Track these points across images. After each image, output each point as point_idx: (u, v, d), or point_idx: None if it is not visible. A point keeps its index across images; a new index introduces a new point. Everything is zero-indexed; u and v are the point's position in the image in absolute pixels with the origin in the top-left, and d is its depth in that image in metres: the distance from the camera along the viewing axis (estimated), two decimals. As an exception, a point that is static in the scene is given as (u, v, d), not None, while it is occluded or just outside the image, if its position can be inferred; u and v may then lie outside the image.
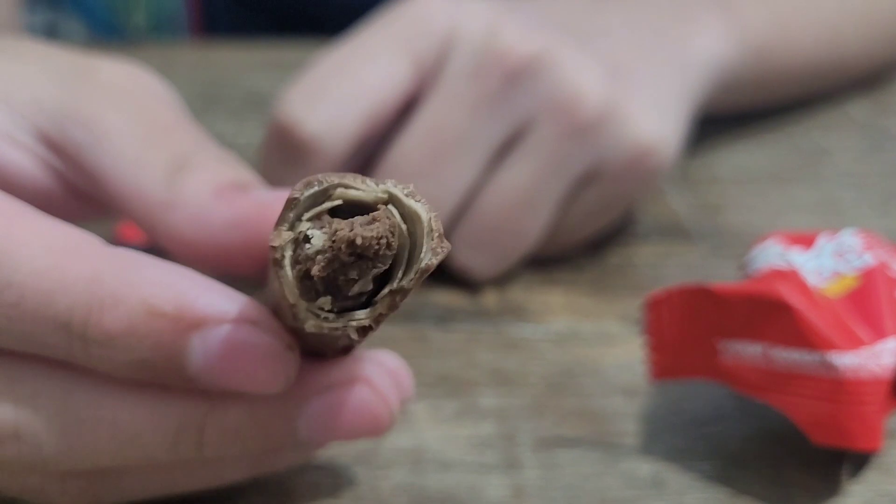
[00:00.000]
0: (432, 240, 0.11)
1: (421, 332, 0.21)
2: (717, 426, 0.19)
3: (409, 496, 0.17)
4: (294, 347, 0.13)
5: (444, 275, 0.22)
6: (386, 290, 0.11)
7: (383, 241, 0.11)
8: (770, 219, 0.28)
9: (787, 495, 0.17)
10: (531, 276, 0.23)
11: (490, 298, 0.23)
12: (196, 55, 0.42)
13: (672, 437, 0.18)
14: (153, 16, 1.04)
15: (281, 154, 0.21)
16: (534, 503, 0.17)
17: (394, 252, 0.11)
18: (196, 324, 0.13)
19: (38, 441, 0.13)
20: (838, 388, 0.16)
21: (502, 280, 0.23)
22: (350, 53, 0.22)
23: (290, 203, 0.11)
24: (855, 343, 0.16)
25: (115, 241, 0.18)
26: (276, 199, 0.15)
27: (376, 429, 0.15)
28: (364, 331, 0.12)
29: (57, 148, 0.16)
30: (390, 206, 0.11)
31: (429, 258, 0.11)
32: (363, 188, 0.11)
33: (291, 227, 0.11)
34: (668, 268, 0.25)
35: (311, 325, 0.12)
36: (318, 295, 0.11)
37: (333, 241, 0.11)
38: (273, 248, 0.11)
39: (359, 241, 0.11)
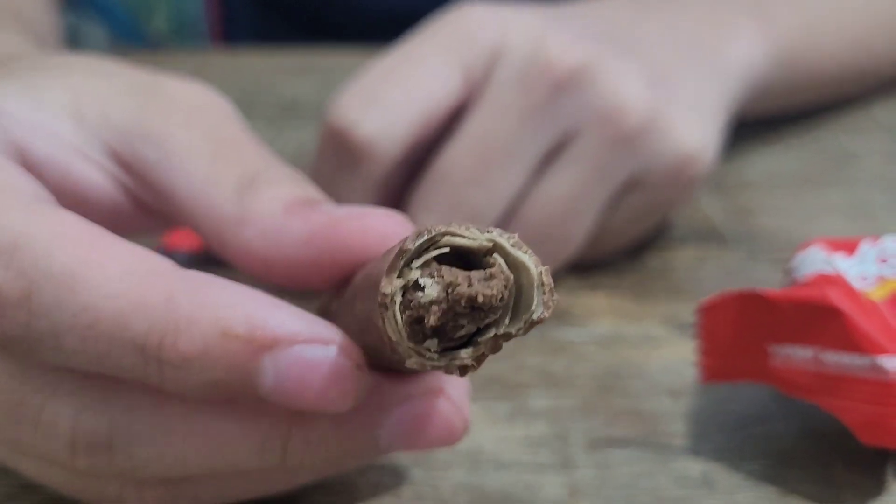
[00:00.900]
0: (543, 293, 0.12)
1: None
2: (764, 426, 0.19)
3: (469, 495, 0.17)
4: (363, 366, 0.14)
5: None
6: (491, 334, 0.12)
7: (500, 296, 0.11)
8: (803, 222, 0.28)
9: (835, 494, 0.17)
10: (574, 280, 0.24)
11: (534, 302, 0.23)
12: (228, 62, 0.43)
13: (720, 437, 0.19)
14: (174, 20, 1.05)
15: (335, 158, 0.22)
16: (590, 502, 0.17)
17: (505, 303, 0.12)
18: (268, 345, 0.13)
19: (130, 451, 0.14)
20: (888, 390, 0.16)
21: (546, 284, 0.24)
22: (401, 60, 0.22)
23: (402, 253, 0.12)
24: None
25: (161, 250, 0.19)
26: (346, 216, 0.15)
27: (452, 438, 0.15)
28: (465, 369, 0.12)
29: (126, 164, 0.17)
30: (496, 255, 0.12)
31: (541, 311, 0.12)
32: (469, 236, 0.12)
33: (401, 275, 0.12)
34: (705, 271, 0.25)
35: (413, 363, 0.12)
36: (424, 337, 0.12)
37: (449, 293, 0.11)
38: (384, 294, 0.12)
39: (480, 298, 0.11)
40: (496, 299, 0.11)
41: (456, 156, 0.22)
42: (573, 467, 0.18)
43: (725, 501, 0.17)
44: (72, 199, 0.16)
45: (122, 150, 0.16)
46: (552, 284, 0.12)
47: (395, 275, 0.12)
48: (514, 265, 0.12)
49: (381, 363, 0.14)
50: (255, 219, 0.15)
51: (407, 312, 0.12)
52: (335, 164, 0.22)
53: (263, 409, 0.14)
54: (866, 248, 0.20)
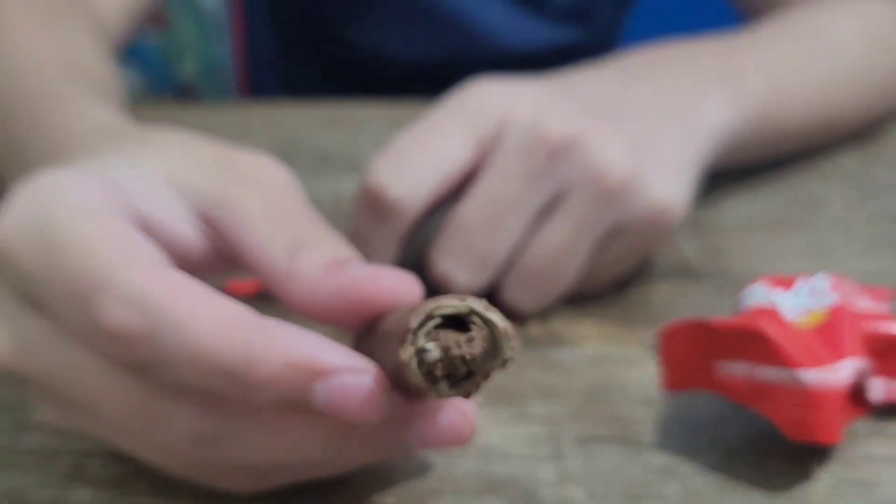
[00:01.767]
0: (509, 340, 0.17)
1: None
2: (716, 427, 0.24)
3: (479, 479, 0.22)
4: (389, 390, 0.18)
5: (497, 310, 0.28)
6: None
7: (481, 351, 0.16)
8: (768, 262, 0.33)
9: (770, 480, 0.22)
10: (568, 310, 0.29)
11: (534, 329, 0.28)
12: (267, 115, 0.48)
13: (681, 436, 0.23)
14: (202, 65, 1.12)
15: (371, 212, 0.27)
16: (576, 484, 0.22)
17: (486, 350, 0.17)
18: (319, 374, 0.18)
19: (230, 446, 0.19)
20: (806, 397, 0.21)
21: (544, 314, 0.28)
22: (425, 131, 0.27)
23: (411, 330, 0.17)
24: (818, 362, 0.21)
25: (226, 291, 0.24)
26: (366, 276, 0.20)
27: (462, 440, 0.20)
28: (469, 394, 0.17)
29: (210, 224, 0.21)
30: (476, 317, 0.17)
31: (510, 354, 0.17)
32: (453, 305, 0.17)
33: (413, 343, 0.17)
34: (679, 304, 0.30)
35: (434, 397, 0.17)
36: (437, 379, 0.17)
37: (446, 354, 0.16)
38: (403, 360, 0.17)
39: (468, 356, 0.16)
40: (478, 354, 0.16)
41: (469, 210, 0.27)
42: (563, 458, 0.23)
43: (683, 485, 0.22)
44: (174, 251, 0.21)
45: (207, 212, 0.21)
46: (515, 334, 0.17)
47: (409, 344, 0.17)
48: (487, 321, 0.17)
49: (406, 389, 0.19)
50: (300, 275, 0.20)
51: (422, 367, 0.17)
52: (371, 217, 0.27)
53: (325, 418, 0.19)
54: (801, 285, 0.24)
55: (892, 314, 0.25)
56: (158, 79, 1.02)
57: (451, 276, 0.27)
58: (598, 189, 0.27)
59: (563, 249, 0.27)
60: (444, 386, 0.17)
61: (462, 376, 0.17)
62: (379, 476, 0.22)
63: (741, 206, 0.37)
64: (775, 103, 0.37)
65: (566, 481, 0.22)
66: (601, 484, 0.22)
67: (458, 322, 0.17)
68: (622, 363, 0.27)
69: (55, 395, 0.20)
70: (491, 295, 0.28)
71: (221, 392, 0.18)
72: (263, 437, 0.19)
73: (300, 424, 0.19)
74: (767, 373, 0.21)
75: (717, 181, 0.36)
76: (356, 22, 0.67)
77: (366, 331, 0.21)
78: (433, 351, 0.16)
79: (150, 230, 0.20)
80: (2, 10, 0.36)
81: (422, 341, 0.17)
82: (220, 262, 0.22)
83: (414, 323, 0.17)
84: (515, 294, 0.28)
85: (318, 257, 0.20)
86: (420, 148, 0.27)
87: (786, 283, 0.24)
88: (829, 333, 0.23)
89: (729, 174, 0.37)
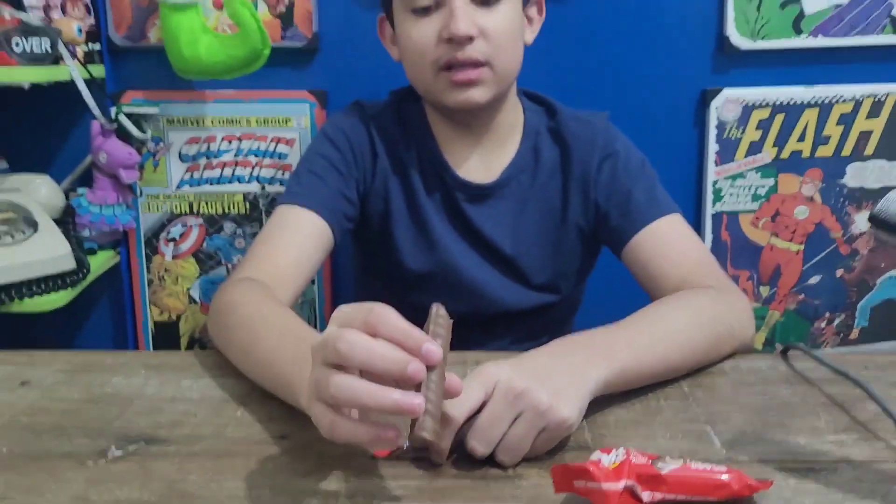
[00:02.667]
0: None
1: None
2: (580, 510, 0.60)
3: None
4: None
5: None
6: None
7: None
8: (622, 441, 0.69)
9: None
10: (523, 465, 0.65)
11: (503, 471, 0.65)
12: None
13: (566, 513, 0.60)
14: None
15: (443, 420, 0.65)
16: None
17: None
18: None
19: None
20: (604, 494, 0.57)
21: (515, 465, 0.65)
22: (466, 388, 0.65)
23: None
24: (609, 479, 0.58)
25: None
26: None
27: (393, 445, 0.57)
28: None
29: None
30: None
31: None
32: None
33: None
34: (579, 459, 0.66)
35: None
36: None
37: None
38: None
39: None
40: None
41: (483, 420, 0.63)
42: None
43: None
44: None
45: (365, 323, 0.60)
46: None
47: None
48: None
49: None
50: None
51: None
52: (443, 424, 0.65)
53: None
54: (614, 451, 0.61)
55: (651, 463, 0.61)
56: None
57: (475, 448, 0.64)
58: (535, 413, 0.63)
59: (521, 438, 0.64)
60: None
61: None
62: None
63: (614, 412, 0.74)
64: (633, 363, 0.74)
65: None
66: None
67: None
68: (547, 485, 0.63)
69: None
70: (490, 456, 0.64)
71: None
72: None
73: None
74: (591, 484, 0.58)
75: (603, 400, 0.73)
76: (416, 292, 1.09)
77: None
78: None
79: None
80: (260, 307, 0.78)
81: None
82: None
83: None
84: (502, 457, 0.64)
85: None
86: (463, 395, 0.65)
87: (607, 450, 0.61)
88: (619, 470, 0.59)
89: (610, 396, 0.75)
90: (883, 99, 1.37)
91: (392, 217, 1.07)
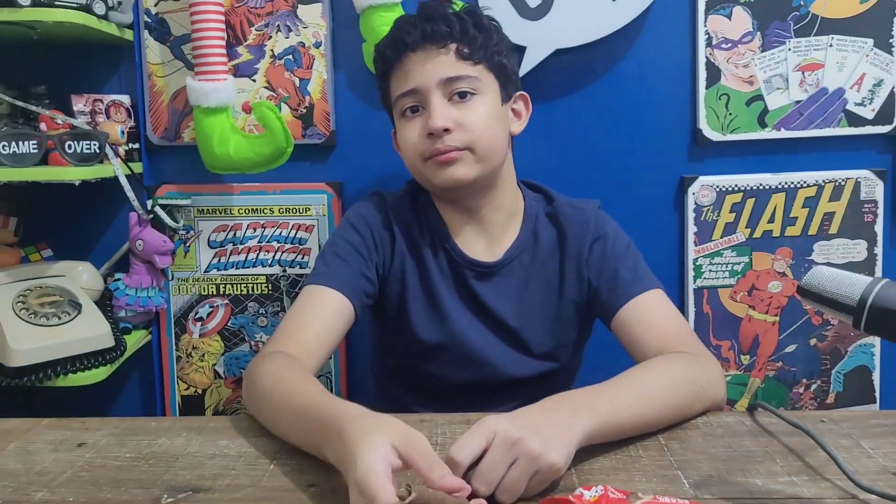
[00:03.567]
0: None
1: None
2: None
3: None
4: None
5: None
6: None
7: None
8: (604, 481, 0.80)
9: (580, 552, 0.69)
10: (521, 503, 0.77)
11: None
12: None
13: (555, 541, 0.71)
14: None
15: (449, 464, 0.76)
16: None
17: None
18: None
19: None
20: (585, 521, 0.69)
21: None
22: (469, 435, 0.77)
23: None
24: (589, 510, 0.69)
25: None
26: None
27: None
28: None
29: (402, 458, 0.71)
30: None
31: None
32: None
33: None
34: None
35: None
36: None
37: None
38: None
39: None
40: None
41: (484, 465, 0.74)
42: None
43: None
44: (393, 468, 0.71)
45: (402, 454, 0.71)
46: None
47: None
48: None
49: None
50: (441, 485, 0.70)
51: None
52: (450, 467, 0.76)
53: None
54: (593, 489, 0.73)
55: (626, 498, 0.72)
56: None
57: (478, 489, 0.75)
58: (529, 458, 0.75)
59: (517, 480, 0.75)
60: None
61: None
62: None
63: (598, 460, 0.85)
64: (614, 418, 0.86)
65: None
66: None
67: None
68: (539, 520, 0.74)
69: None
70: (492, 496, 0.75)
71: None
72: None
73: None
74: (573, 514, 0.69)
75: (589, 449, 0.85)
76: (427, 362, 1.21)
77: None
78: None
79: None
80: (287, 377, 0.90)
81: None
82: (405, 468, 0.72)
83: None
84: (501, 496, 0.75)
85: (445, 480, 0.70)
86: (465, 442, 0.76)
87: (588, 487, 0.73)
88: (598, 503, 0.70)
89: (594, 446, 0.86)
90: (843, 183, 1.52)
91: (408, 293, 1.20)
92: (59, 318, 1.35)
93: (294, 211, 1.55)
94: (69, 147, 1.35)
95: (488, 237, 1.21)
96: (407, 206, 1.23)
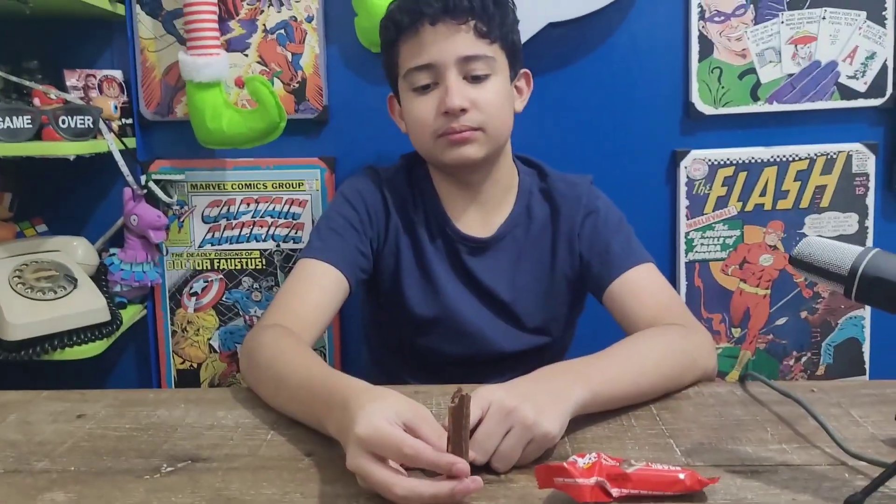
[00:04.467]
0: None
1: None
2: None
3: None
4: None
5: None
6: None
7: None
8: (598, 448, 0.82)
9: (573, 516, 0.70)
10: (515, 470, 0.78)
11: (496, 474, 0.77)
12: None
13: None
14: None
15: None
16: None
17: None
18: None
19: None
20: (578, 487, 0.70)
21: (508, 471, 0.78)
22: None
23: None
24: (583, 476, 0.70)
25: None
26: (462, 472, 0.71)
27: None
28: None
29: (407, 428, 0.71)
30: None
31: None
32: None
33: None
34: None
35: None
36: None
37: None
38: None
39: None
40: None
41: (480, 433, 0.75)
42: None
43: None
44: None
45: (407, 424, 0.71)
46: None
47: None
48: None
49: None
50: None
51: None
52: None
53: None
54: (587, 455, 0.74)
55: (619, 465, 0.73)
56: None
57: (474, 457, 0.76)
58: (523, 427, 0.76)
59: (512, 448, 0.76)
60: None
61: None
62: None
63: (591, 429, 0.87)
64: (607, 388, 0.87)
65: None
66: None
67: None
68: (533, 487, 0.75)
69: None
70: (487, 464, 0.77)
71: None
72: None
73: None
74: (568, 480, 0.71)
75: (582, 419, 0.86)
76: (421, 336, 1.22)
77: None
78: None
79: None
80: (286, 349, 0.91)
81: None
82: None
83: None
84: (496, 464, 0.76)
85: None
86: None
87: (582, 454, 0.74)
88: (592, 469, 0.72)
89: (588, 415, 0.87)
90: (835, 156, 1.53)
91: (402, 268, 1.21)
92: (56, 293, 1.36)
93: (287, 186, 1.55)
94: (63, 122, 1.34)
95: (483, 212, 1.21)
96: (402, 181, 1.23)
